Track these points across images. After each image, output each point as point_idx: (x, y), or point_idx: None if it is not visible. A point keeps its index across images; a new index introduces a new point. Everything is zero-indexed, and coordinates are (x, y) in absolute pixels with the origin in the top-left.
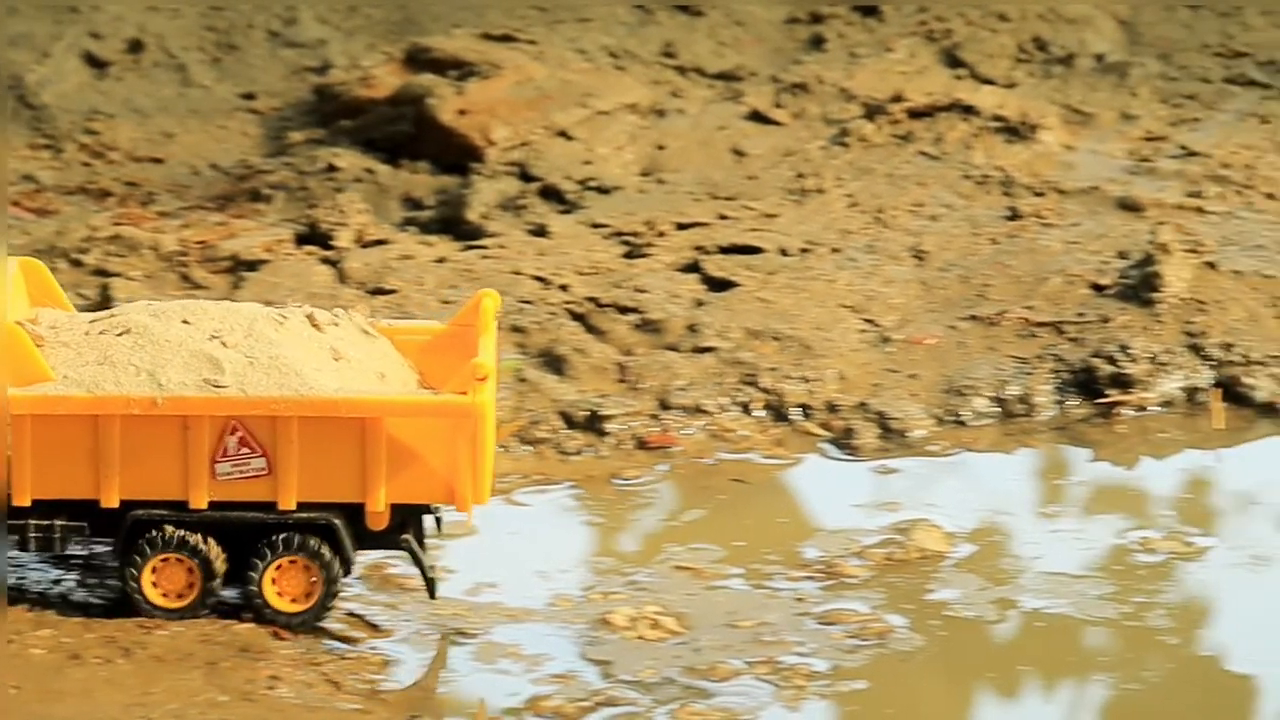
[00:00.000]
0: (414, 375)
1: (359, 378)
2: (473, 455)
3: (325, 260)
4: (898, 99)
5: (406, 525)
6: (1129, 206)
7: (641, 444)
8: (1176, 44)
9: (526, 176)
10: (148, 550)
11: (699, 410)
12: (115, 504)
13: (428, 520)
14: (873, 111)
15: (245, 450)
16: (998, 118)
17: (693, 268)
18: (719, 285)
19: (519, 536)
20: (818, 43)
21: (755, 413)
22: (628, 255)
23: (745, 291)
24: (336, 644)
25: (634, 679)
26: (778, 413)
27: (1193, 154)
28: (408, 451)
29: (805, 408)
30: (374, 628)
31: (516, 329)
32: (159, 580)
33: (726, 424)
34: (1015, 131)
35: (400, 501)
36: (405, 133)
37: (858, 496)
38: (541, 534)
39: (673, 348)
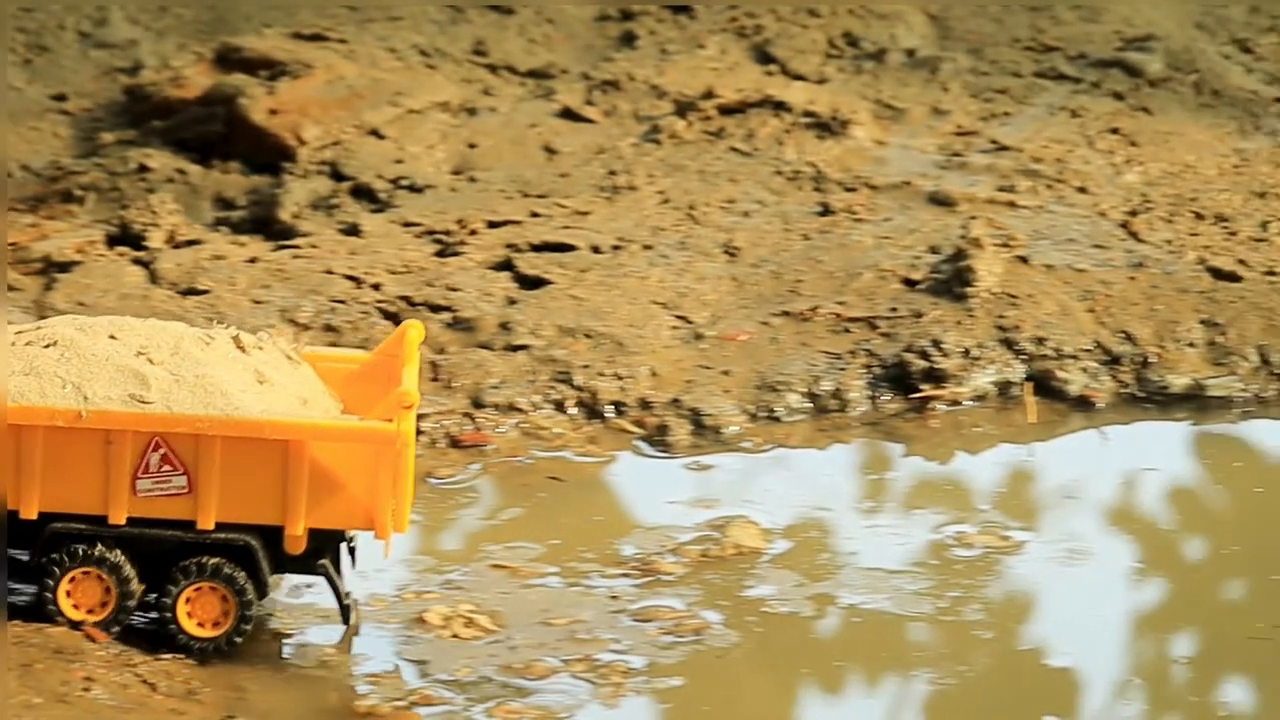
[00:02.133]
0: (336, 403)
1: (282, 401)
2: (394, 483)
3: (137, 261)
4: (709, 95)
5: (323, 551)
6: (940, 201)
7: (455, 443)
8: (987, 38)
9: (338, 176)
10: (65, 563)
11: (512, 408)
12: (34, 515)
13: (343, 548)
14: (684, 108)
15: (167, 467)
16: (809, 113)
17: (505, 266)
18: (531, 283)
19: None
20: (629, 40)
21: (569, 410)
22: (440, 254)
23: (558, 289)
24: (152, 646)
25: (450, 678)
26: (591, 410)
27: (1004, 148)
28: (329, 476)
29: (618, 405)
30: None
31: (329, 329)
32: (74, 594)
33: (540, 422)
34: (826, 127)
35: (319, 527)
36: (216, 133)
37: (672, 493)
38: (357, 534)
39: (485, 346)
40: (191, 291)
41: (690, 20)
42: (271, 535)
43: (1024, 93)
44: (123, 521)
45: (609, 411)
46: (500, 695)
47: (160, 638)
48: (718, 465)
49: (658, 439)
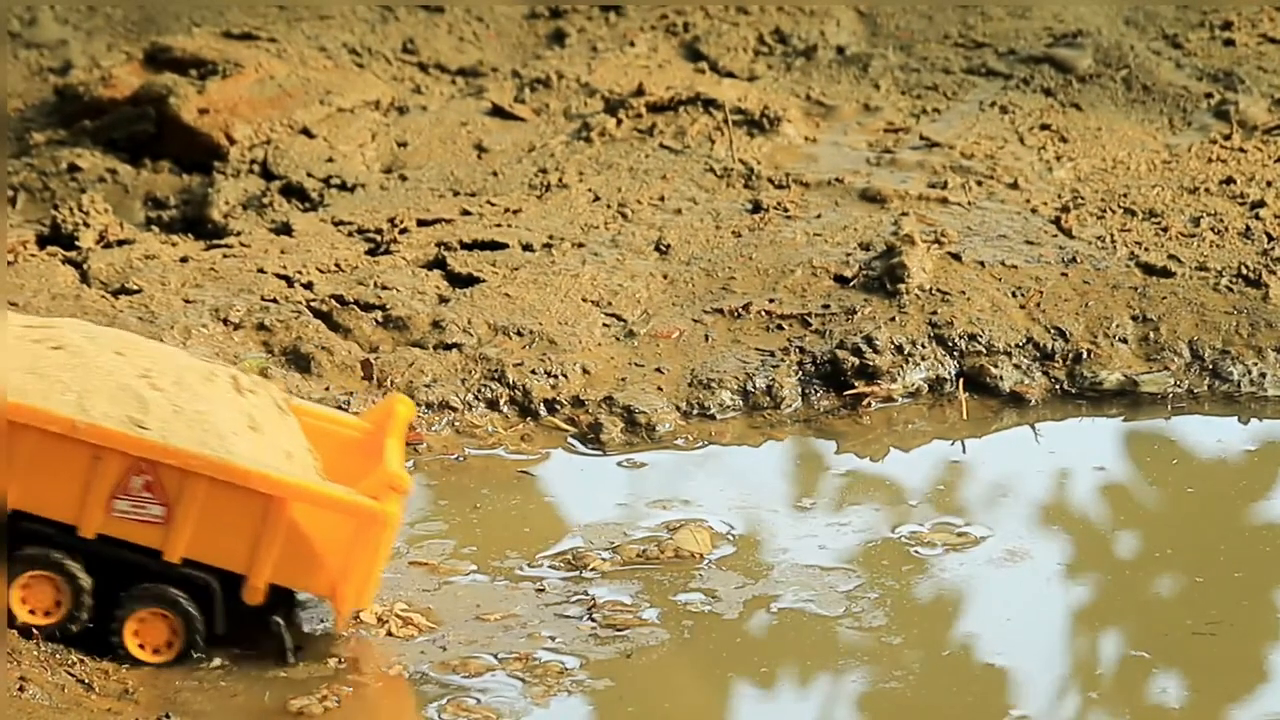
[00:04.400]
0: (316, 461)
1: (270, 452)
2: (370, 561)
3: (68, 261)
4: (639, 93)
5: (278, 606)
6: (872, 198)
7: None
8: (917, 35)
9: (269, 175)
10: (25, 563)
11: (445, 407)
12: (9, 508)
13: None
14: (615, 106)
15: (148, 494)
16: (739, 110)
17: (437, 264)
18: (463, 281)
19: None
20: (559, 38)
21: (502, 408)
22: (371, 252)
23: (489, 287)
24: (87, 647)
25: (387, 676)
26: (524, 408)
27: (935, 145)
28: (305, 540)
29: (551, 403)
30: None
31: (261, 327)
32: (27, 595)
33: (473, 420)
34: (757, 124)
35: (282, 584)
36: (147, 132)
37: (606, 491)
38: None
39: (418, 344)
40: (123, 291)
41: (620, 18)
42: (232, 581)
43: (954, 89)
44: (91, 536)
45: (542, 409)
46: (438, 694)
47: (97, 639)
48: (650, 463)
49: (591, 437)
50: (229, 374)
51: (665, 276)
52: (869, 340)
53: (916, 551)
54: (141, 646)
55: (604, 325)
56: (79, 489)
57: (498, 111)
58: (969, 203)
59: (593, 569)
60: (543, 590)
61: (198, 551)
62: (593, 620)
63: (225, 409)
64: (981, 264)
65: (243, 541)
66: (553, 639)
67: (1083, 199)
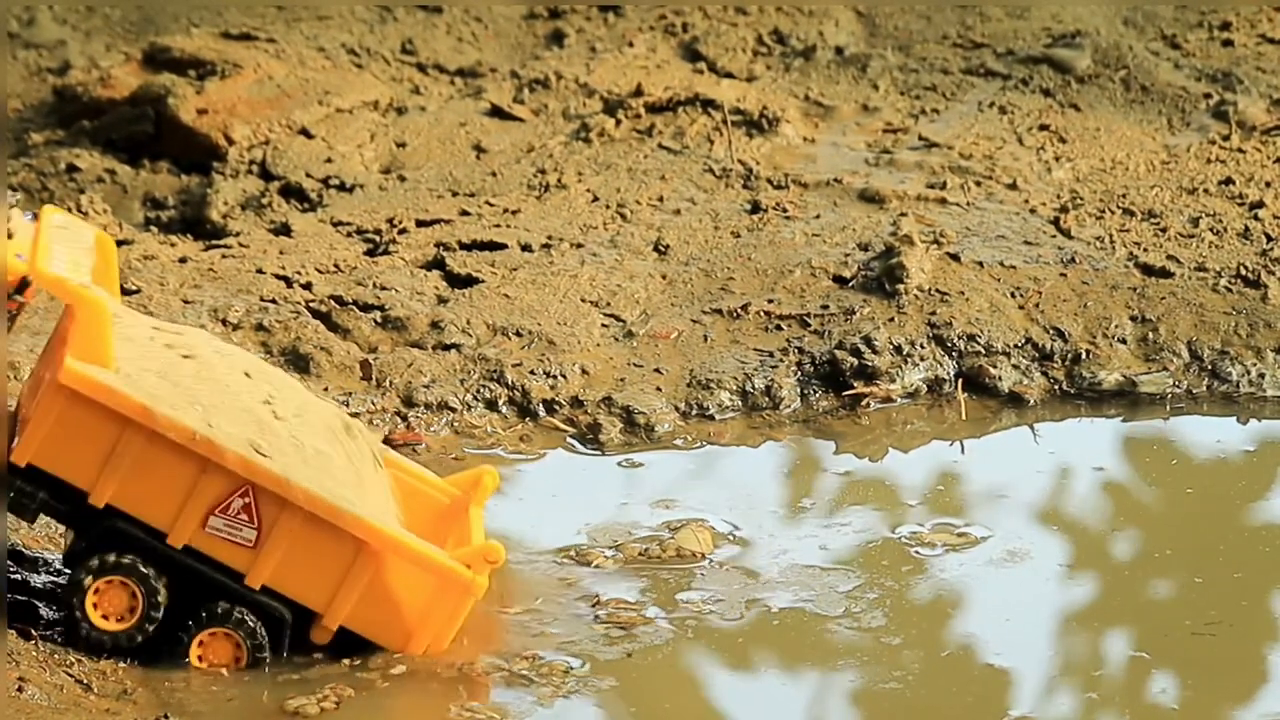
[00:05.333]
0: (401, 515)
1: (368, 500)
2: (447, 625)
3: None
4: (638, 93)
5: (343, 646)
6: (870, 198)
7: (387, 442)
8: (915, 35)
9: (267, 175)
10: (104, 563)
11: (444, 407)
12: (101, 504)
13: None
14: (613, 106)
15: (244, 517)
16: (738, 111)
17: (435, 264)
18: (462, 282)
19: None
20: (558, 38)
21: (501, 409)
22: (370, 253)
23: (488, 288)
24: (86, 646)
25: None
26: (523, 409)
27: (933, 145)
28: (389, 593)
29: (550, 403)
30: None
31: (260, 328)
32: (100, 600)
33: (472, 420)
34: (756, 124)
35: (354, 630)
36: (146, 133)
37: (607, 491)
38: None
39: (417, 345)
40: (122, 291)
41: (619, 18)
42: (304, 615)
43: (953, 89)
44: (179, 546)
45: (541, 410)
46: (442, 693)
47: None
48: (650, 463)
49: (590, 437)
50: (342, 415)
51: (664, 277)
52: (868, 341)
53: (916, 552)
54: (201, 659)
55: (603, 326)
56: (179, 499)
57: (496, 112)
58: (968, 203)
59: (596, 567)
60: (547, 589)
61: (278, 582)
62: (598, 619)
63: (337, 450)
64: (980, 264)
65: (327, 581)
66: (558, 638)
67: (1081, 199)
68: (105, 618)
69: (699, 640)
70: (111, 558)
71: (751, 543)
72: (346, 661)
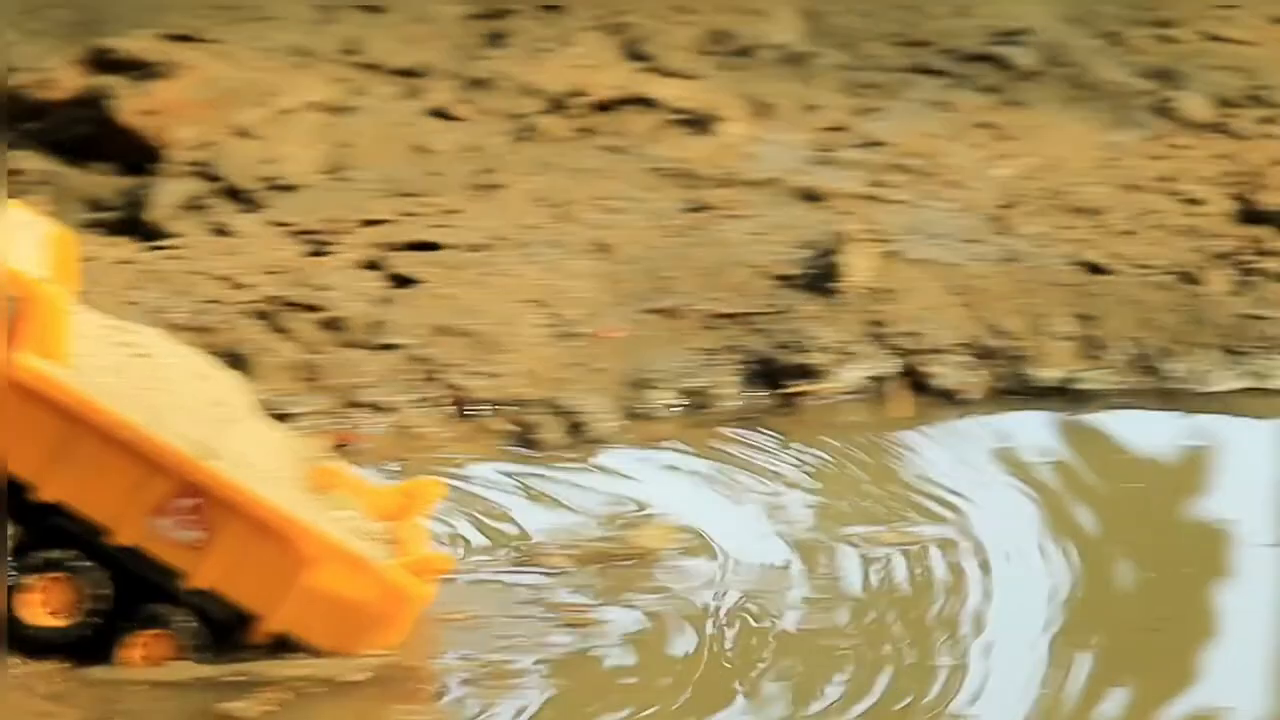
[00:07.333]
0: (345, 522)
1: (314, 508)
2: (394, 634)
3: None
4: (580, 93)
5: (277, 650)
6: (811, 197)
7: (329, 443)
8: (858, 33)
9: (209, 176)
10: (48, 560)
11: (384, 407)
12: (49, 499)
13: None
14: (555, 106)
15: (192, 518)
16: (680, 110)
17: (376, 265)
18: (403, 282)
19: None
20: (499, 38)
21: (439, 409)
22: (311, 253)
23: (429, 288)
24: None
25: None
26: (462, 408)
27: (875, 143)
28: (332, 598)
29: (491, 403)
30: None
31: (202, 329)
32: (43, 597)
33: (412, 420)
34: (697, 123)
35: (295, 636)
36: (88, 134)
37: (555, 491)
38: None
39: (358, 345)
40: None
41: (561, 18)
42: (246, 617)
43: (895, 88)
44: (123, 543)
45: (482, 410)
46: (391, 696)
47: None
48: (594, 462)
49: (530, 437)
50: (295, 429)
51: (605, 277)
52: (808, 338)
53: (861, 547)
54: (142, 658)
55: (544, 326)
56: (125, 497)
57: (438, 112)
58: (909, 201)
59: (551, 568)
60: (499, 592)
61: (223, 583)
62: (550, 620)
63: (289, 459)
64: (921, 262)
65: (272, 585)
66: (508, 640)
67: (1023, 197)
68: (52, 614)
69: (654, 637)
70: (55, 554)
71: (703, 540)
72: (284, 664)
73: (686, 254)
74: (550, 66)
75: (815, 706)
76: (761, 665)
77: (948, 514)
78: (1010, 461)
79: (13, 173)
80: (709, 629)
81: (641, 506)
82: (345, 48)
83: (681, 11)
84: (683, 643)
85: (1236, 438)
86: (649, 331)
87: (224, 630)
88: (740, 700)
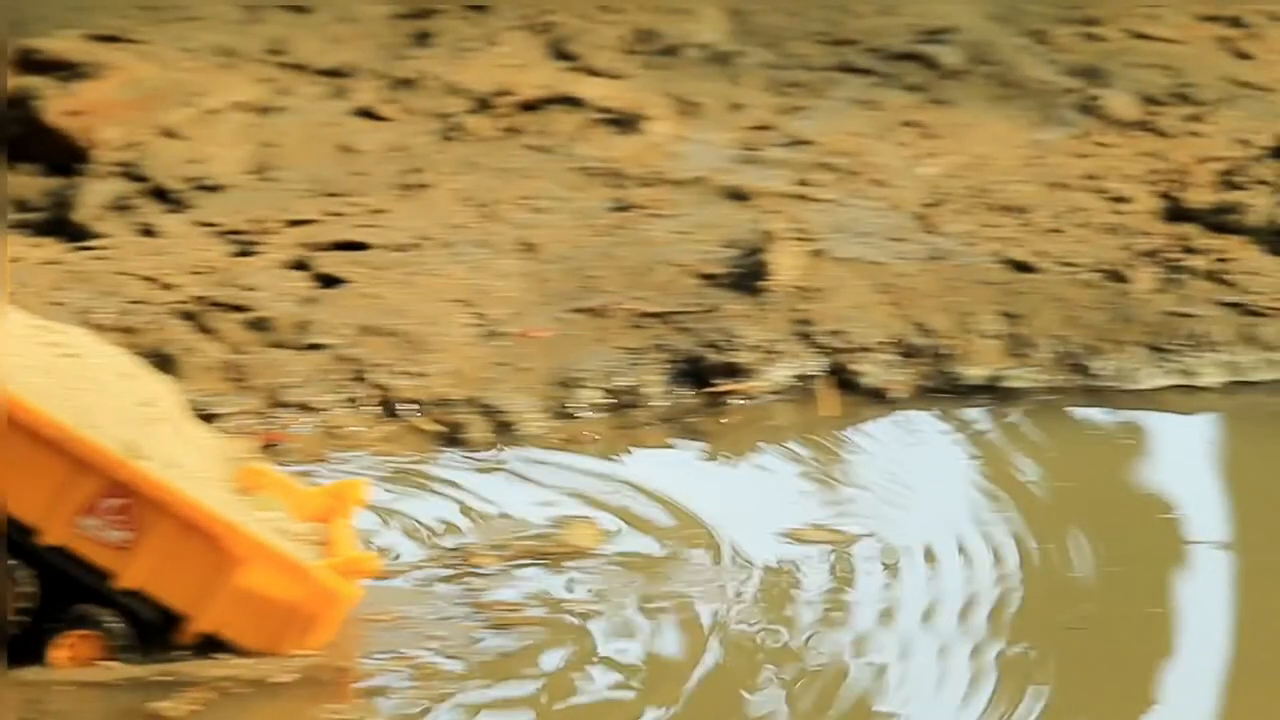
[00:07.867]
0: (272, 523)
1: (240, 508)
2: (322, 634)
3: None
4: (505, 92)
5: (205, 650)
6: (737, 196)
7: (254, 443)
8: (783, 32)
9: (135, 176)
10: None
11: (310, 408)
12: None
13: None
14: (480, 105)
15: (120, 518)
16: (605, 109)
17: (302, 265)
18: (329, 282)
19: None
20: (425, 38)
21: (366, 409)
22: (237, 253)
23: (355, 288)
24: None
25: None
26: (389, 409)
27: (800, 142)
28: (259, 599)
29: (416, 403)
30: None
31: (127, 330)
32: None
33: (338, 421)
34: (623, 123)
35: (223, 636)
36: (13, 134)
37: (484, 491)
38: None
39: (283, 345)
40: None
41: (486, 17)
42: (173, 617)
43: (821, 86)
44: (49, 543)
45: (406, 410)
46: (316, 697)
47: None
48: (520, 463)
49: (456, 437)
50: (220, 430)
51: (531, 276)
52: (733, 337)
53: (791, 548)
54: (69, 659)
55: (470, 325)
56: (51, 496)
57: (364, 112)
58: (834, 200)
59: (479, 568)
60: (428, 590)
61: (150, 584)
62: (477, 619)
63: (217, 459)
64: (847, 261)
65: (198, 585)
66: (435, 640)
67: (948, 195)
68: None
69: (585, 638)
70: None
71: (633, 540)
72: (212, 664)
73: (613, 253)
74: (476, 66)
75: (746, 703)
76: (695, 662)
77: (874, 512)
78: (935, 459)
79: None
80: (640, 628)
81: (570, 505)
82: (271, 48)
83: (607, 11)
84: (614, 641)
85: (1165, 435)
86: (576, 331)
87: (153, 631)
88: (673, 697)
